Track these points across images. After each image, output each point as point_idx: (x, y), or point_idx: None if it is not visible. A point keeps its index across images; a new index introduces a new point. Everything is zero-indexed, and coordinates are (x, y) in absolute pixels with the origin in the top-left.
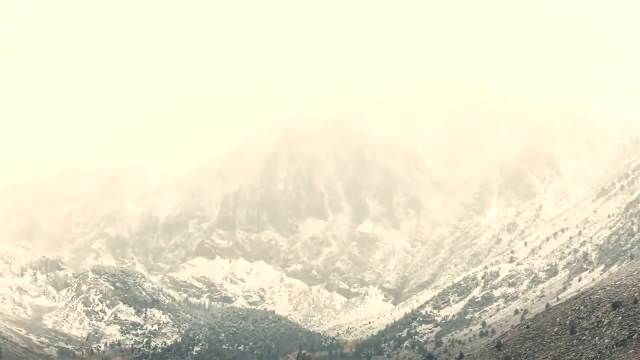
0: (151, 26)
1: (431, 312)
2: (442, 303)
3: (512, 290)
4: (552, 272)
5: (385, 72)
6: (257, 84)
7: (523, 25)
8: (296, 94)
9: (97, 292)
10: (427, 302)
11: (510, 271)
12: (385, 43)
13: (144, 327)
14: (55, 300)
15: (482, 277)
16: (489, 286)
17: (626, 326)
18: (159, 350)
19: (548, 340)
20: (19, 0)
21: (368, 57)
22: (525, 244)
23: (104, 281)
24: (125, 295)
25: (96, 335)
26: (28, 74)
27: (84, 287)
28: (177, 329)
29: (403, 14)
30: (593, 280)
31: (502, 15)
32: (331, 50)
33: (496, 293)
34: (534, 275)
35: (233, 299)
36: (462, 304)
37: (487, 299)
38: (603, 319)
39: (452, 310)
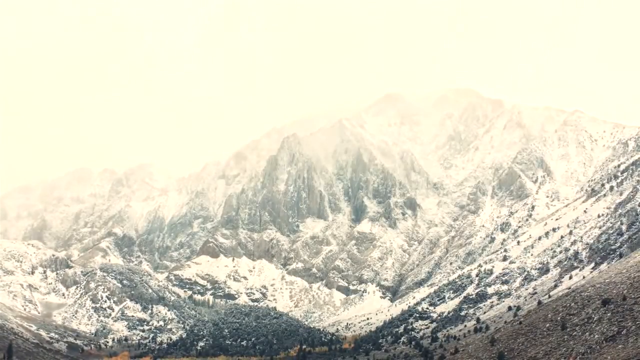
0: (153, 29)
1: (427, 308)
2: (438, 300)
3: (505, 287)
4: (544, 270)
5: (383, 77)
6: (259, 88)
7: (519, 30)
8: (296, 99)
9: (105, 290)
10: (423, 299)
11: (503, 269)
12: (383, 48)
13: (150, 323)
14: (65, 297)
15: (477, 275)
16: (483, 284)
17: (615, 322)
18: (165, 345)
19: (540, 336)
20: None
21: (366, 62)
22: (518, 243)
23: (112, 279)
24: (132, 292)
25: (104, 331)
26: (34, 76)
27: (92, 285)
28: (182, 325)
29: (401, 19)
30: (583, 278)
31: (499, 19)
32: (331, 56)
33: (490, 290)
34: (526, 273)
35: (236, 296)
36: (457, 300)
37: (481, 296)
38: (593, 315)
39: (447, 306)
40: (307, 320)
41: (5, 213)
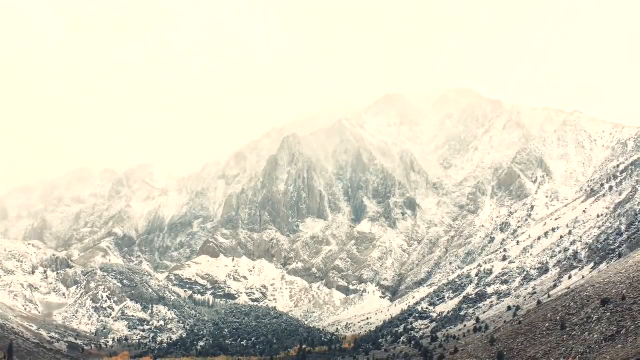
0: (155, 30)
1: (427, 308)
2: (438, 300)
3: (504, 287)
4: (543, 270)
5: (383, 77)
6: (259, 88)
7: (519, 30)
8: (296, 99)
9: (105, 289)
10: (423, 299)
11: (503, 269)
12: (383, 48)
13: (151, 323)
14: (65, 297)
15: (476, 275)
16: (482, 283)
17: (615, 322)
18: (165, 345)
19: (539, 336)
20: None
21: (366, 62)
22: (518, 242)
23: (112, 279)
24: (133, 292)
25: (104, 330)
26: (36, 76)
27: (92, 285)
28: (182, 325)
29: (401, 19)
30: (583, 277)
31: (499, 19)
32: (330, 56)
33: (489, 290)
34: (525, 273)
35: (236, 295)
36: (456, 300)
37: (481, 296)
38: (592, 315)
39: (447, 306)
40: (307, 320)
41: (6, 213)
